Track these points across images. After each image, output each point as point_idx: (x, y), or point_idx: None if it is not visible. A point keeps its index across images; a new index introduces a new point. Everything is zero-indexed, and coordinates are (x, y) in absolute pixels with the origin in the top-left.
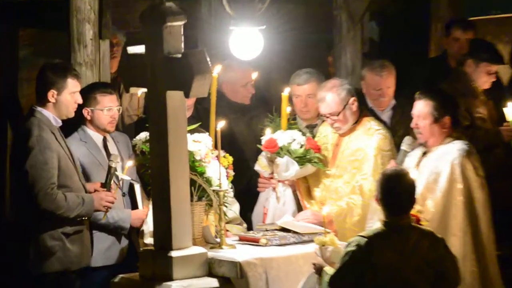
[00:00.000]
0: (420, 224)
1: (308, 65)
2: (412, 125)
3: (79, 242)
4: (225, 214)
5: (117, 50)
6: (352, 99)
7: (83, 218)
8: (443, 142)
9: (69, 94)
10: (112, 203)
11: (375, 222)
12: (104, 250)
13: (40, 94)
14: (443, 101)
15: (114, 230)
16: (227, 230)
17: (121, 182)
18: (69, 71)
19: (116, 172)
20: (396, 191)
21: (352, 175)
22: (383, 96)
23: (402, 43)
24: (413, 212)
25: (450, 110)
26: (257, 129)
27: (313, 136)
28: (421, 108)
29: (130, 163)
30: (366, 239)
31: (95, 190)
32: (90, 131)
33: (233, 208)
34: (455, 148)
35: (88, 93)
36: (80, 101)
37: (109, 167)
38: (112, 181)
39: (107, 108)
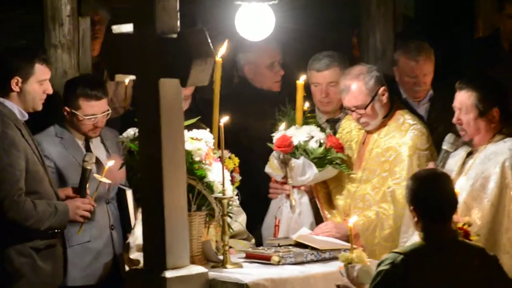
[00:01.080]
0: (469, 240)
1: (329, 47)
2: (454, 120)
3: (51, 258)
4: (229, 227)
5: (99, 29)
6: (382, 88)
7: (56, 230)
8: (492, 140)
9: (36, 83)
10: (90, 211)
11: (411, 236)
12: (84, 267)
13: (1, 82)
14: (489, 90)
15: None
16: (231, 247)
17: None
18: (37, 55)
19: (95, 175)
20: (433, 193)
21: (382, 179)
22: (419, 85)
23: (442, 21)
24: (460, 225)
25: (498, 100)
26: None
27: (335, 133)
28: (463, 99)
29: (110, 163)
30: (402, 256)
31: (67, 197)
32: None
33: (239, 220)
34: (506, 147)
35: (71, 91)
36: (50, 91)
37: (84, 169)
38: (88, 186)
39: (89, 117)
